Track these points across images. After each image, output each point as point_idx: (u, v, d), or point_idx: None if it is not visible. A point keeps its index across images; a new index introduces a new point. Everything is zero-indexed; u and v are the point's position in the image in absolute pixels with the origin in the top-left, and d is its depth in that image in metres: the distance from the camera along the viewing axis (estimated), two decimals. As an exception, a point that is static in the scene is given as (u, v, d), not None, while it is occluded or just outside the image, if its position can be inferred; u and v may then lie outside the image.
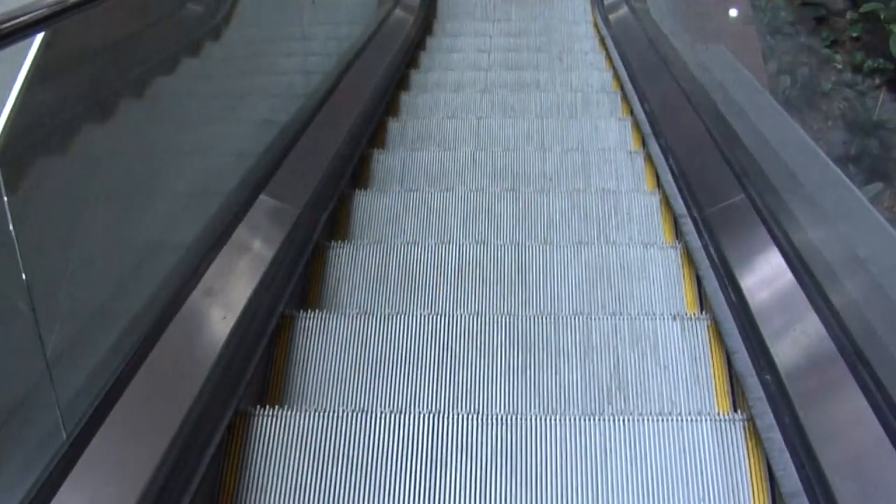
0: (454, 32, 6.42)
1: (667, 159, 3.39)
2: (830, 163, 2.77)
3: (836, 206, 2.48)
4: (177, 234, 2.35)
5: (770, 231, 2.41)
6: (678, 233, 3.00)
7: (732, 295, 2.35)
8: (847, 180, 2.61)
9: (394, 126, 4.13)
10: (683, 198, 3.04)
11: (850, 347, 1.84)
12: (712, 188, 2.90)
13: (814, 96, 6.12)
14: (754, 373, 2.09)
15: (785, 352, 2.02)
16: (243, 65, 3.05)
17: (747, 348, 2.17)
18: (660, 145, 3.54)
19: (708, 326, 2.44)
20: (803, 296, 2.10)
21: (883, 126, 5.73)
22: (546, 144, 3.93)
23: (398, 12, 5.74)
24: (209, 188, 2.60)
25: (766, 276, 2.33)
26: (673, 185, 3.18)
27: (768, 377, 2.01)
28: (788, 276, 2.20)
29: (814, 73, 6.34)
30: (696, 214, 2.86)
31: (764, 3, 6.67)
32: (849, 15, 6.47)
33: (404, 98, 4.59)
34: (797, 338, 2.04)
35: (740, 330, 2.25)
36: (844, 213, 2.44)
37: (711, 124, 3.25)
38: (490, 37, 6.15)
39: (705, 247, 2.67)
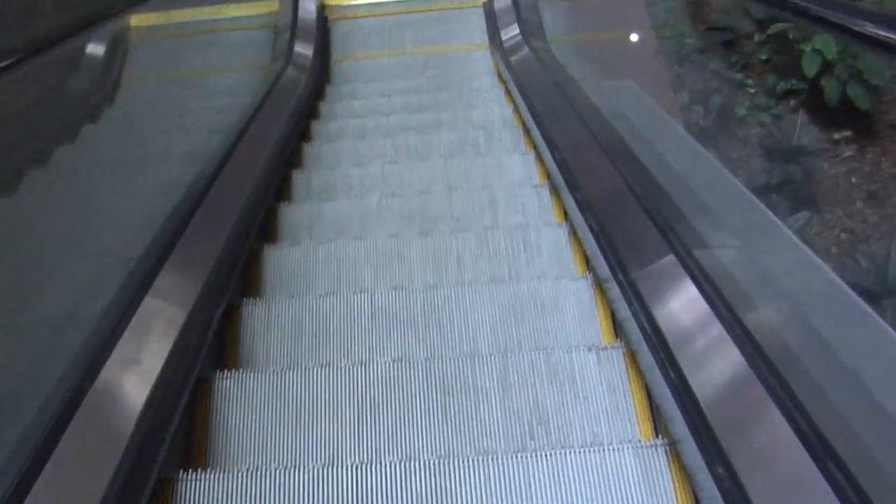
0: (351, 79, 6.58)
1: (585, 217, 3.17)
2: (757, 200, 2.83)
3: (770, 248, 2.55)
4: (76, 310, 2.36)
5: (707, 297, 2.30)
6: (589, 266, 3.13)
7: (672, 374, 2.23)
8: (776, 219, 2.59)
9: (299, 178, 4.24)
10: (607, 259, 2.84)
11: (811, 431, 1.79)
12: (639, 246, 2.76)
13: (729, 124, 6.10)
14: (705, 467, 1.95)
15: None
16: (136, 135, 3.07)
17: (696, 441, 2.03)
18: (576, 199, 3.35)
19: (623, 354, 2.56)
20: (758, 382, 1.96)
21: (804, 151, 5.79)
22: (452, 185, 4.07)
23: (290, 70, 5.84)
24: (112, 257, 2.62)
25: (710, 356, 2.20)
26: (594, 244, 3.01)
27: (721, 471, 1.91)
28: (736, 354, 2.07)
29: (727, 99, 6.35)
30: (622, 278, 2.68)
31: (668, 31, 6.75)
32: (756, 37, 6.52)
33: (307, 149, 4.72)
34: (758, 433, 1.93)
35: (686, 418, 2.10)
36: (780, 256, 2.49)
37: (628, 172, 3.15)
38: (389, 81, 6.29)
39: (635, 315, 2.52)
